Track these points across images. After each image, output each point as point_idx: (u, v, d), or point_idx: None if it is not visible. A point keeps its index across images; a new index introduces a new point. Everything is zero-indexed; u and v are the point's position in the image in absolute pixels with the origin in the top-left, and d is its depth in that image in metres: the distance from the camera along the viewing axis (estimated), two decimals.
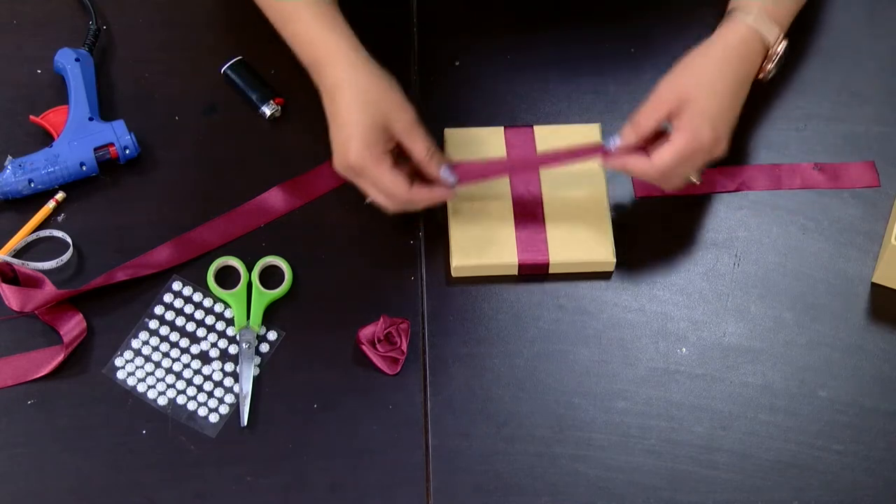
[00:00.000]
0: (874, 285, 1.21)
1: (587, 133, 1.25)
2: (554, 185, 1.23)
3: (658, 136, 1.16)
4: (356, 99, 1.14)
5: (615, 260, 1.20)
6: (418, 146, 1.15)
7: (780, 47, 1.19)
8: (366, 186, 1.16)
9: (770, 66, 1.19)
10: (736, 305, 1.20)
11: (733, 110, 1.17)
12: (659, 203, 1.25)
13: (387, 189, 1.15)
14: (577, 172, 1.22)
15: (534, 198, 1.22)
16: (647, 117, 1.15)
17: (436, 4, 1.34)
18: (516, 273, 1.20)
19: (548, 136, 1.25)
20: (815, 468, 1.13)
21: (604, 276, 1.21)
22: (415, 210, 1.18)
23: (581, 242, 1.20)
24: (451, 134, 1.25)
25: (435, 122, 1.20)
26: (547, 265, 1.19)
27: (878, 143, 1.28)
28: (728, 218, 1.24)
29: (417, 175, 1.17)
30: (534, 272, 1.20)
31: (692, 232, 1.24)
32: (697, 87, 1.14)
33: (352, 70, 1.15)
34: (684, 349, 1.18)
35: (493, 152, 1.24)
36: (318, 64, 1.17)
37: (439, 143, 1.21)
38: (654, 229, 1.24)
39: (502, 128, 1.25)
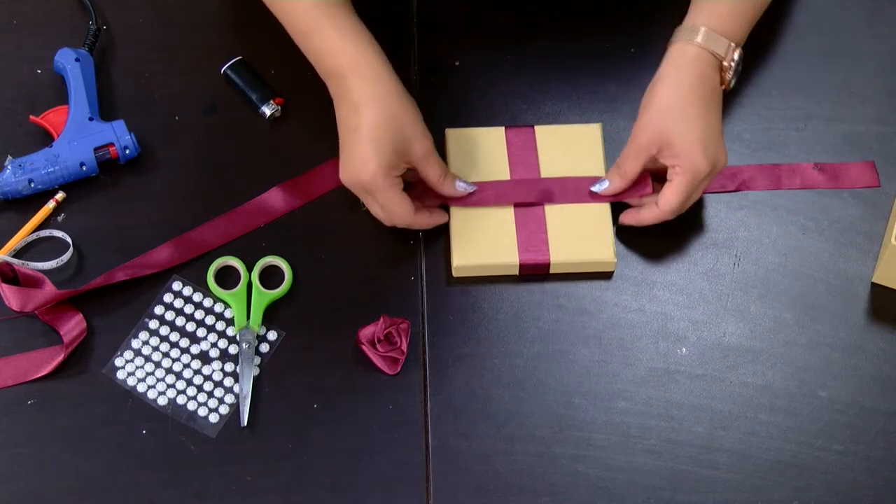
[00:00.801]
0: (874, 285, 1.21)
1: (588, 133, 1.25)
2: (552, 159, 1.23)
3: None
4: (383, 119, 1.14)
5: (616, 260, 1.20)
6: (433, 172, 1.17)
7: (735, 57, 1.17)
8: (370, 203, 1.17)
9: (728, 76, 1.18)
10: (736, 305, 1.20)
11: (715, 126, 1.17)
12: None
13: (393, 212, 1.16)
14: (578, 171, 1.22)
15: (534, 191, 1.22)
16: (631, 164, 1.19)
17: (436, 4, 1.34)
18: (517, 273, 1.20)
19: (548, 137, 1.25)
20: (815, 468, 1.13)
21: (604, 275, 1.21)
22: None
23: (582, 242, 1.20)
24: (452, 134, 1.24)
25: (435, 122, 1.20)
26: (548, 265, 1.19)
27: (878, 143, 1.28)
28: (728, 218, 1.24)
29: (419, 193, 1.19)
30: (534, 272, 1.20)
31: (692, 232, 1.24)
32: (672, 122, 1.15)
33: (382, 87, 1.15)
34: (684, 349, 1.18)
35: (494, 152, 1.23)
36: (344, 76, 1.15)
37: (440, 142, 1.21)
38: (654, 229, 1.23)
39: (503, 128, 1.25)
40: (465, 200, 1.20)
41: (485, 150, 1.24)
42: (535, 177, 1.23)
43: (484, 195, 1.21)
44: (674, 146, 1.15)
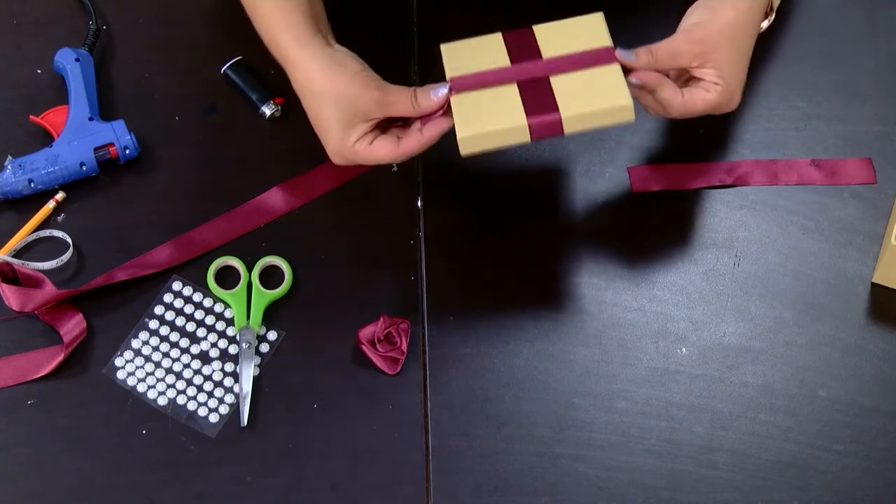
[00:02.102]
0: (874, 285, 1.21)
1: (591, 24, 1.17)
2: (555, 47, 1.16)
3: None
4: (319, 99, 1.13)
5: (632, 104, 1.12)
6: (401, 107, 1.14)
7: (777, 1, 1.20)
8: (365, 163, 1.16)
9: (765, 22, 1.19)
10: (736, 305, 1.20)
11: (748, 62, 1.17)
12: (658, 202, 1.25)
13: (380, 161, 1.14)
14: (579, 36, 1.16)
15: (536, 66, 1.15)
16: (666, 58, 1.14)
17: (436, 4, 1.34)
18: (528, 139, 1.13)
19: (550, 35, 1.17)
20: (815, 468, 1.13)
21: (604, 275, 1.21)
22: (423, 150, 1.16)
23: (593, 92, 1.12)
24: (447, 49, 1.18)
25: None
26: (560, 123, 1.12)
27: (878, 142, 1.28)
28: (728, 218, 1.24)
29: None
30: (548, 134, 1.12)
31: (692, 232, 1.24)
32: (730, 49, 1.14)
33: (309, 69, 1.14)
34: (684, 349, 1.18)
35: (495, 60, 1.17)
36: (285, 67, 1.16)
37: (436, 61, 1.18)
38: (654, 228, 1.24)
39: (499, 34, 1.18)
40: (468, 84, 1.14)
41: (485, 60, 1.17)
42: (538, 56, 1.16)
43: (484, 80, 1.15)
44: (723, 71, 1.14)
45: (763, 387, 1.17)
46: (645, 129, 1.28)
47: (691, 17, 1.16)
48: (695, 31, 1.15)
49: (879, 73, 1.32)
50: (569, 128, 1.12)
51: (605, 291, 1.21)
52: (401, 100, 1.14)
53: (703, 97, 1.15)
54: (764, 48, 1.32)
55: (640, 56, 1.14)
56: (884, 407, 1.16)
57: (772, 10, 1.21)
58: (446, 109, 1.14)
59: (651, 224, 1.24)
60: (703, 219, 1.24)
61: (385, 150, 1.14)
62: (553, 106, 1.12)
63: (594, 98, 1.12)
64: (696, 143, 1.28)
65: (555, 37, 1.17)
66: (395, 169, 1.24)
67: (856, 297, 1.21)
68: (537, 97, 1.13)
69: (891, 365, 1.18)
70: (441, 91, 1.14)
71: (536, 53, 1.17)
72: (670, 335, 1.19)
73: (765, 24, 1.21)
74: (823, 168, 1.27)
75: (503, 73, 1.16)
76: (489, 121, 1.13)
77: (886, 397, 1.16)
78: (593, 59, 1.15)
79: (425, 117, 1.14)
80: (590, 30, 1.17)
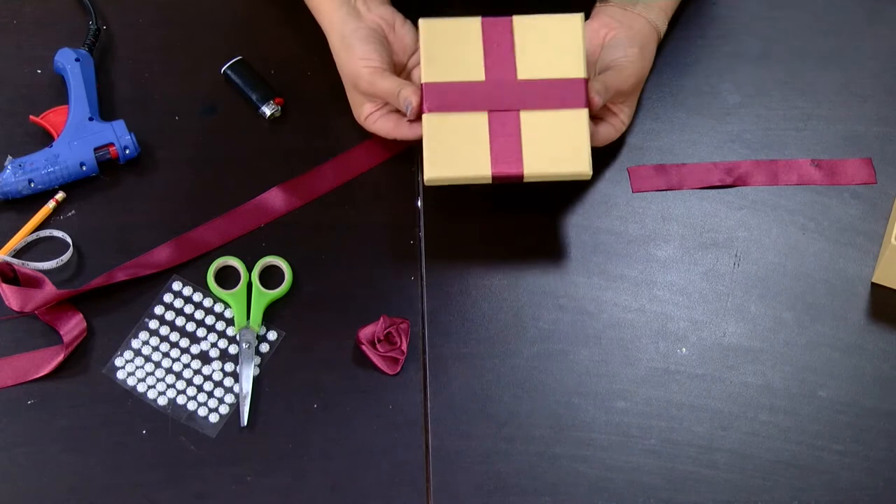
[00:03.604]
0: (874, 285, 1.21)
1: (568, 26, 1.21)
2: (531, 58, 1.20)
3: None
4: (341, 74, 1.24)
5: (591, 172, 1.17)
6: (389, 98, 1.20)
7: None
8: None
9: None
10: (736, 305, 1.20)
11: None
12: (658, 202, 1.25)
13: (387, 136, 1.24)
14: (556, 68, 1.20)
15: (510, 104, 1.19)
16: (614, 96, 1.21)
17: (436, 4, 1.34)
18: (490, 182, 1.18)
19: (526, 31, 1.21)
20: (815, 468, 1.13)
21: (604, 275, 1.21)
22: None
23: (558, 153, 1.18)
24: (426, 25, 1.21)
25: None
26: (521, 177, 1.18)
27: (878, 143, 1.28)
28: (728, 218, 1.24)
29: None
30: (508, 181, 1.18)
31: (692, 232, 1.24)
32: (642, 81, 1.26)
33: (332, 44, 1.24)
34: (684, 349, 1.18)
35: (470, 47, 1.20)
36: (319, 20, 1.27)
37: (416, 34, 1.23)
38: (654, 229, 1.24)
39: (479, 19, 1.22)
40: (439, 105, 1.18)
41: (460, 43, 1.21)
42: (512, 77, 1.20)
43: (457, 99, 1.19)
44: (632, 111, 1.25)
45: (763, 387, 1.17)
46: (645, 129, 1.28)
47: (623, 48, 1.22)
48: (634, 71, 1.22)
49: (879, 73, 1.32)
50: (528, 179, 1.18)
51: (605, 291, 1.21)
52: (388, 93, 1.20)
53: (609, 134, 1.23)
54: (764, 48, 1.32)
55: (599, 97, 1.19)
56: (884, 407, 1.16)
57: None
58: (419, 117, 1.19)
59: (651, 224, 1.24)
60: (703, 219, 1.24)
61: (382, 129, 1.23)
62: (517, 160, 1.17)
63: (557, 159, 1.18)
64: (696, 143, 1.28)
65: (532, 40, 1.21)
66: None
67: (856, 297, 1.21)
68: (504, 144, 1.18)
69: (891, 365, 1.18)
70: (411, 105, 1.18)
71: (511, 66, 1.20)
72: (670, 335, 1.19)
73: None
74: (823, 168, 1.27)
75: (476, 93, 1.19)
76: (456, 166, 1.18)
77: (886, 397, 1.16)
78: (565, 94, 1.19)
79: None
80: (567, 38, 1.21)
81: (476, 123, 1.19)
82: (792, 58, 1.32)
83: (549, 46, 1.21)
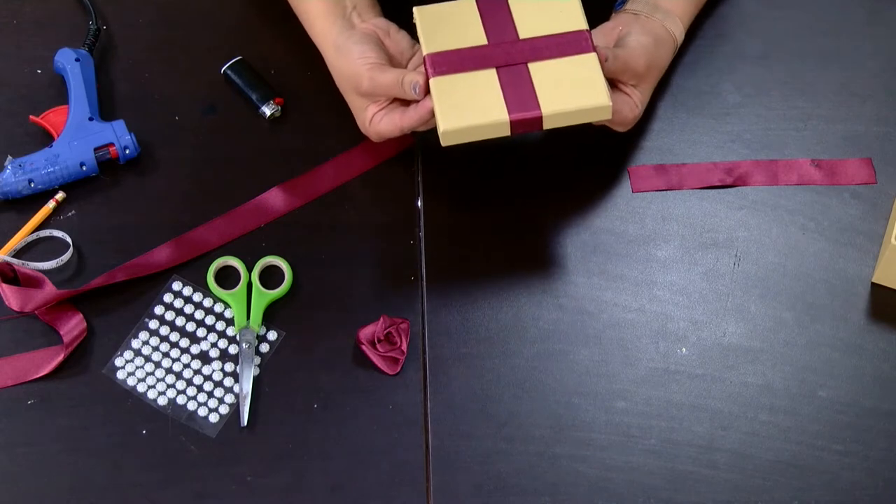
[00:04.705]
0: (874, 285, 1.21)
1: (566, 5, 1.19)
2: (530, 24, 1.18)
3: None
4: (339, 85, 1.23)
5: (611, 104, 1.15)
6: (391, 91, 1.18)
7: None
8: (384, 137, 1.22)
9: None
10: (736, 305, 1.20)
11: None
12: (658, 202, 1.25)
13: (392, 135, 1.20)
14: (557, 28, 1.18)
15: (517, 59, 1.17)
16: (622, 67, 1.19)
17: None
18: (509, 133, 1.15)
19: (525, 7, 1.19)
20: (815, 468, 1.13)
21: (604, 275, 1.21)
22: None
23: (573, 90, 1.15)
24: (421, 11, 1.20)
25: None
26: (540, 119, 1.14)
27: (878, 143, 1.28)
28: (728, 218, 1.24)
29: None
30: (528, 129, 1.15)
31: (692, 232, 1.24)
32: (658, 71, 1.24)
33: (328, 59, 1.24)
34: (684, 349, 1.18)
35: (467, 19, 1.19)
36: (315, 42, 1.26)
37: (410, 22, 1.21)
38: (654, 229, 1.24)
39: (473, 1, 1.20)
40: (446, 69, 1.16)
41: (457, 19, 1.19)
42: (514, 37, 1.18)
43: (463, 62, 1.17)
44: (644, 98, 1.23)
45: (763, 387, 1.17)
46: (645, 129, 1.28)
47: (637, 35, 1.22)
48: (645, 53, 1.21)
49: (879, 73, 1.32)
50: (548, 124, 1.14)
51: (605, 291, 1.21)
52: (391, 85, 1.18)
53: (624, 110, 1.20)
54: (764, 48, 1.32)
55: (609, 55, 1.18)
56: (884, 407, 1.16)
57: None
58: (428, 91, 1.16)
59: (651, 224, 1.24)
60: (703, 219, 1.24)
61: (389, 126, 1.19)
62: (534, 102, 1.14)
63: (574, 96, 1.14)
64: (696, 143, 1.28)
65: (529, 11, 1.19)
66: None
67: (856, 297, 1.21)
68: (518, 90, 1.14)
69: (891, 365, 1.18)
70: (418, 84, 1.17)
71: (512, 30, 1.18)
72: (670, 335, 1.19)
73: None
74: (823, 168, 1.27)
75: (481, 54, 1.18)
76: (471, 115, 1.14)
77: (886, 397, 1.16)
78: (570, 45, 1.17)
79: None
80: (565, 6, 1.19)
81: (486, 78, 1.16)
82: (792, 58, 1.32)
83: (546, 8, 1.19)
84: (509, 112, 1.14)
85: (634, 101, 1.21)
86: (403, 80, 1.17)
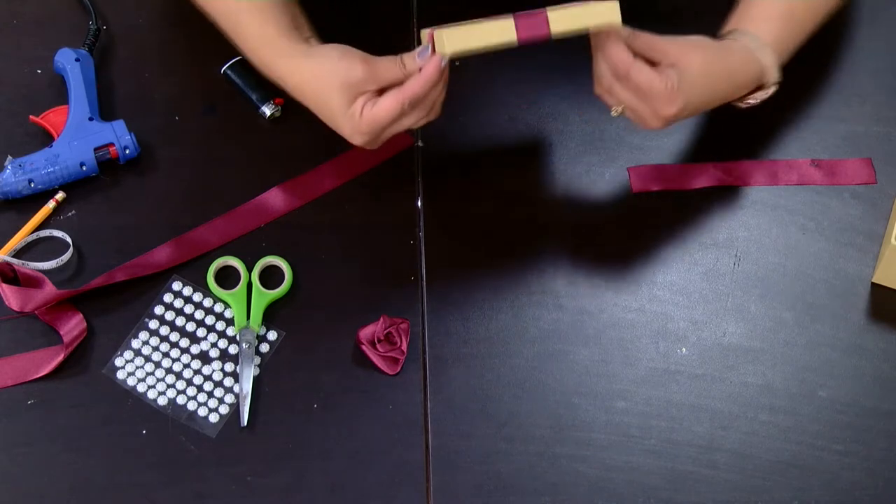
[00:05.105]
0: (874, 285, 1.21)
1: (605, 12, 1.13)
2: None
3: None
4: (316, 96, 1.15)
5: (620, 21, 1.10)
6: (390, 75, 1.13)
7: (772, 90, 1.20)
8: (392, 132, 1.15)
9: (753, 101, 1.20)
10: (736, 305, 1.20)
11: (704, 106, 1.18)
12: (658, 202, 1.25)
13: (390, 115, 1.13)
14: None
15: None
16: (646, 45, 1.13)
17: (436, 4, 1.34)
18: (514, 38, 1.11)
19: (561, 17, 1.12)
20: (815, 468, 1.13)
21: (604, 274, 1.21)
22: (436, 96, 1.14)
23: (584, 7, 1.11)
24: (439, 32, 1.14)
25: (435, 121, 1.20)
26: (546, 21, 1.10)
27: (878, 142, 1.28)
28: (728, 218, 1.24)
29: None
30: (534, 34, 1.11)
31: (692, 232, 1.24)
32: (691, 54, 1.14)
33: (296, 75, 1.16)
34: (684, 349, 1.18)
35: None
36: (276, 81, 1.18)
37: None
38: (654, 228, 1.24)
39: (511, 18, 1.12)
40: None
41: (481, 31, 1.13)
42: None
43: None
44: (684, 81, 1.13)
45: (763, 387, 1.17)
46: (645, 129, 1.28)
47: (694, 36, 1.16)
48: (688, 42, 1.15)
49: (879, 73, 1.32)
50: (555, 26, 1.10)
51: (605, 291, 1.21)
52: (389, 68, 1.13)
53: (652, 78, 1.12)
54: None
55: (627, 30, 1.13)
56: (884, 407, 1.16)
57: (764, 85, 1.20)
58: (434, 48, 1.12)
59: (651, 224, 1.24)
60: (703, 219, 1.24)
61: (389, 101, 1.12)
62: (542, 15, 1.10)
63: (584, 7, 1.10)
64: (696, 143, 1.28)
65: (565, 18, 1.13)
66: (421, 144, 1.25)
67: (856, 297, 1.21)
68: (527, 15, 1.11)
69: (891, 365, 1.18)
70: (426, 53, 1.12)
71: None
72: (670, 335, 1.19)
73: (759, 96, 1.20)
74: (823, 168, 1.27)
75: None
76: (474, 25, 1.11)
77: (886, 397, 1.16)
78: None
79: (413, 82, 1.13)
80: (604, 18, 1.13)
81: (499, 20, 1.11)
82: (791, 58, 1.32)
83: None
84: (515, 20, 1.10)
85: (668, 74, 1.12)
86: (403, 56, 1.13)
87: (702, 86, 1.15)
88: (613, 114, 1.17)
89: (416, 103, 1.13)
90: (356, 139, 1.15)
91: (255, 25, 1.18)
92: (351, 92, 1.13)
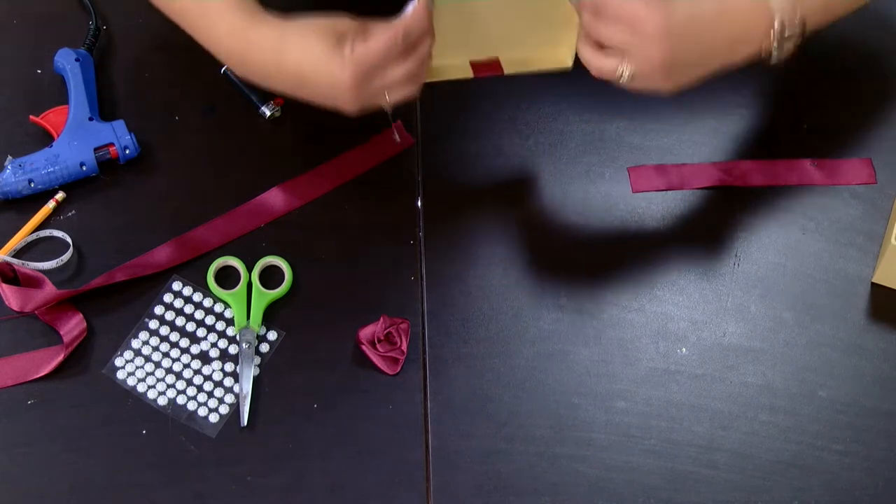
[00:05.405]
0: (874, 285, 1.21)
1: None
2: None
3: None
4: (300, 48, 1.09)
5: (571, 65, 1.10)
6: (377, 28, 1.08)
7: (790, 33, 1.11)
8: (383, 79, 1.09)
9: (776, 52, 1.12)
10: (736, 305, 1.20)
11: (699, 36, 1.10)
12: (658, 202, 1.25)
13: (387, 46, 1.07)
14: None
15: None
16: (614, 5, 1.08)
17: None
18: (471, 75, 1.14)
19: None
20: (815, 468, 1.13)
21: (604, 274, 1.21)
22: (425, 44, 1.10)
23: (537, 38, 1.12)
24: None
25: (435, 121, 1.21)
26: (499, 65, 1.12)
27: (878, 143, 1.28)
28: (728, 218, 1.24)
29: None
30: (489, 73, 1.14)
31: (692, 232, 1.24)
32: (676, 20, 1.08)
33: (280, 29, 1.11)
34: (684, 349, 1.18)
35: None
36: (269, 86, 1.14)
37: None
38: (654, 229, 1.24)
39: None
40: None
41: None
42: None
43: None
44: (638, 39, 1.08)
45: (763, 387, 1.17)
46: (645, 129, 1.29)
47: None
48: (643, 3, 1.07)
49: (879, 73, 1.32)
50: (508, 69, 1.14)
51: (605, 291, 1.21)
52: (381, 25, 1.08)
53: (606, 64, 1.09)
54: None
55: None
56: (884, 407, 1.16)
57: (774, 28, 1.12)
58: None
59: (651, 224, 1.24)
60: (703, 219, 1.24)
61: (381, 35, 1.08)
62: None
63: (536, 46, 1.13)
64: (696, 143, 1.28)
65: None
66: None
67: (856, 297, 1.21)
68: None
69: (891, 365, 1.18)
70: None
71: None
72: (670, 335, 1.19)
73: (777, 41, 1.12)
74: (823, 168, 1.27)
75: None
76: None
77: (886, 397, 1.16)
78: None
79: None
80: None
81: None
82: (792, 58, 1.32)
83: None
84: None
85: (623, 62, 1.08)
86: (394, 20, 1.07)
87: (688, 6, 1.08)
88: (617, 76, 1.10)
89: (408, 39, 1.08)
90: (347, 96, 1.10)
91: (224, 9, 1.13)
92: (339, 36, 1.08)
